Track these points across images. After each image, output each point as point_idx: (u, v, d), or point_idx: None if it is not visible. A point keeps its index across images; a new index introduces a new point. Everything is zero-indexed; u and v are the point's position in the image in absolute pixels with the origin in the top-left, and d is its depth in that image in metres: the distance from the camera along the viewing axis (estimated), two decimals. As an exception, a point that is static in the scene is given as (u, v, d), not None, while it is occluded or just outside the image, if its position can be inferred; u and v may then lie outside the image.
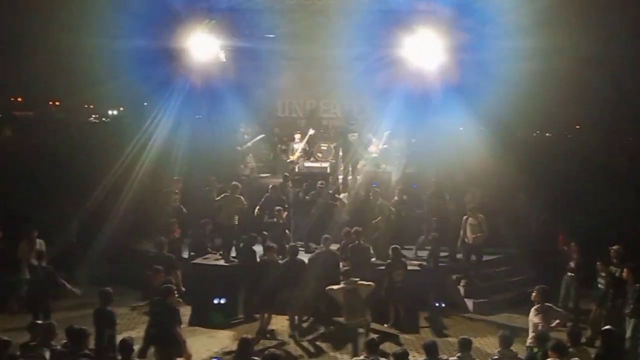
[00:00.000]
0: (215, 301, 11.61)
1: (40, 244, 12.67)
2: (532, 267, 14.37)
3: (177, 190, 15.57)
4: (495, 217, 15.02)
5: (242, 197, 13.90)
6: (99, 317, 9.25)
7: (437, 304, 12.75)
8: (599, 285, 11.76)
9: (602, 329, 8.95)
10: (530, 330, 9.56)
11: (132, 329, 11.87)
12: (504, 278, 14.56)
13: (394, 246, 12.67)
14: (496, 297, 13.92)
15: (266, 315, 11.96)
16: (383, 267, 12.68)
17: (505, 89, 18.07)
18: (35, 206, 15.86)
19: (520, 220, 16.09)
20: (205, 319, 12.25)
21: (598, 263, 11.83)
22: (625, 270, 11.10)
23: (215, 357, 8.09)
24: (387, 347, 10.93)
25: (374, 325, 12.03)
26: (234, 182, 14.37)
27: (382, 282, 12.28)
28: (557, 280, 12.79)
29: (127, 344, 8.02)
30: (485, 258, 14.27)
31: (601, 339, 8.59)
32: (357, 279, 11.10)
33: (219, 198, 14.09)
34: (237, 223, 13.90)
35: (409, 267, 12.84)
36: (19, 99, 39.97)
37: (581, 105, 24.41)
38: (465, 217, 13.90)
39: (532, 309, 9.73)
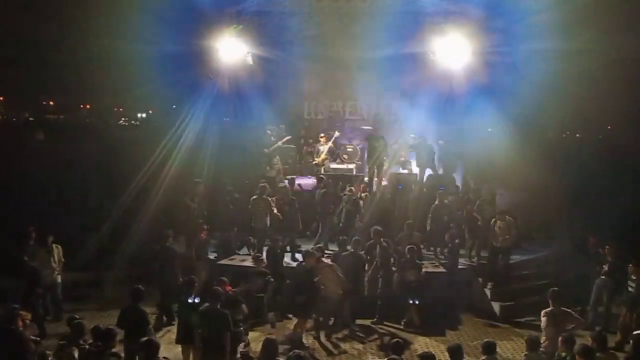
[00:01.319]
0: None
1: (57, 248, 12.68)
2: (562, 270, 14.16)
3: (197, 193, 15.64)
4: (525, 219, 14.86)
5: (269, 198, 14.04)
6: (130, 316, 9.33)
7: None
8: (630, 289, 11.55)
9: (633, 333, 8.75)
10: (543, 335, 9.39)
11: (159, 329, 11.98)
12: (532, 281, 14.35)
13: (410, 246, 12.64)
14: (524, 300, 13.72)
15: (298, 320, 11.67)
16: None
17: (535, 90, 17.86)
18: (67, 209, 16.14)
19: (551, 222, 15.90)
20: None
21: (630, 266, 11.62)
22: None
23: (243, 350, 8.01)
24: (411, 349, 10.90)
25: (389, 326, 12.34)
26: (261, 184, 14.51)
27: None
28: (588, 283, 12.60)
29: (153, 344, 8.05)
30: (513, 260, 14.12)
31: (632, 343, 8.41)
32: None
33: (250, 203, 14.28)
34: (269, 225, 14.11)
35: (431, 270, 12.81)
36: (51, 103, 40.68)
37: (613, 106, 24.00)
38: (493, 220, 13.77)
39: (542, 312, 9.56)
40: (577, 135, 29.01)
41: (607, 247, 12.51)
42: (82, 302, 13.17)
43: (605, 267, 12.34)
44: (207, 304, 9.25)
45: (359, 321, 12.53)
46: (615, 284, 12.18)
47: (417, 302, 12.36)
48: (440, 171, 17.19)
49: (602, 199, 17.06)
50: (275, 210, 14.36)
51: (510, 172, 16.60)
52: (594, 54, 19.46)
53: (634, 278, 11.46)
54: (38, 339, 8.69)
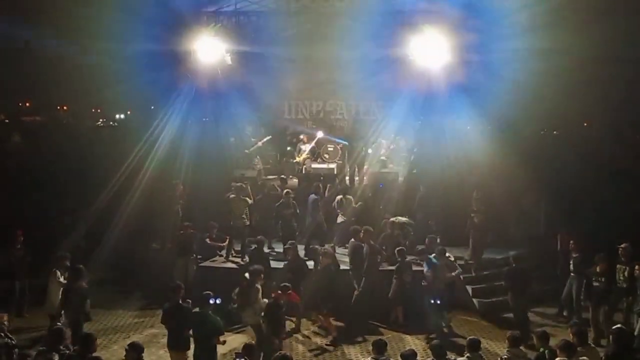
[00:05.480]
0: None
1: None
2: (541, 267, 14.32)
3: (180, 194, 15.50)
4: (503, 217, 14.99)
5: (247, 199, 14.07)
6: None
7: (432, 301, 12.39)
8: (595, 284, 11.74)
9: (613, 327, 8.87)
10: None
11: (141, 332, 11.90)
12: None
13: (399, 248, 12.69)
14: (504, 296, 13.82)
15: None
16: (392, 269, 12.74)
17: (512, 89, 18.00)
18: (44, 211, 15.95)
19: (529, 220, 16.05)
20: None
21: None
22: (636, 267, 11.07)
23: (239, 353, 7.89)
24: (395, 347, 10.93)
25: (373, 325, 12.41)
26: (239, 183, 14.66)
27: (393, 284, 12.47)
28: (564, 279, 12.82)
29: (137, 347, 7.99)
30: (493, 257, 14.26)
31: (612, 337, 8.52)
32: None
33: (226, 200, 14.27)
34: (247, 224, 14.18)
35: (415, 268, 12.89)
36: (27, 104, 39.96)
37: (589, 103, 24.29)
38: (472, 217, 13.98)
39: None
40: (555, 132, 29.25)
41: (570, 242, 12.72)
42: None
43: (572, 263, 12.58)
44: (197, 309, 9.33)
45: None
46: (582, 279, 12.37)
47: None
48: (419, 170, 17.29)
49: (579, 195, 17.28)
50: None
51: (488, 170, 16.70)
52: (570, 52, 19.67)
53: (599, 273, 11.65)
54: (14, 341, 8.61)
